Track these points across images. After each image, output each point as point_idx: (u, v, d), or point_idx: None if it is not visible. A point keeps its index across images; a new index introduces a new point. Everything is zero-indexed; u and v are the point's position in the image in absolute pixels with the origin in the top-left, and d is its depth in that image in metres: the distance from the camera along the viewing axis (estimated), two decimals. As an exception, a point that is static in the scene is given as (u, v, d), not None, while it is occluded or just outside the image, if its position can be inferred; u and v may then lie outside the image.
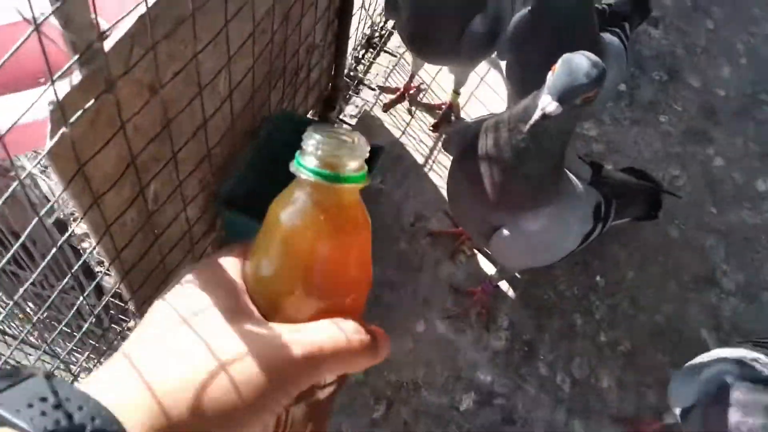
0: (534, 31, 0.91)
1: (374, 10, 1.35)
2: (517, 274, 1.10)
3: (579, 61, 0.67)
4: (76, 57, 0.46)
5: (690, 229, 1.23)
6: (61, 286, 0.65)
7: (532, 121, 0.68)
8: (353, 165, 0.30)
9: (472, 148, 0.78)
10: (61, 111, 0.46)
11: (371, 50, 1.38)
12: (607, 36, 0.98)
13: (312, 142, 0.29)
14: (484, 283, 1.04)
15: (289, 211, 0.31)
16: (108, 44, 0.49)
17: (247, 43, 0.71)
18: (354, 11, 1.06)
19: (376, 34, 1.40)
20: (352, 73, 1.33)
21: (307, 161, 0.29)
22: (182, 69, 0.60)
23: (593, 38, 0.91)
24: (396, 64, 1.37)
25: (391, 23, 1.42)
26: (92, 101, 0.49)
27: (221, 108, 0.73)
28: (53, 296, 0.62)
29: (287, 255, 0.31)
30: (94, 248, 0.61)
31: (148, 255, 0.73)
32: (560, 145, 0.74)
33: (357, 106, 1.31)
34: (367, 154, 0.30)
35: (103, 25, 0.46)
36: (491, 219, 0.80)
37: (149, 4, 0.50)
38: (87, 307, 0.88)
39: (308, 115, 1.18)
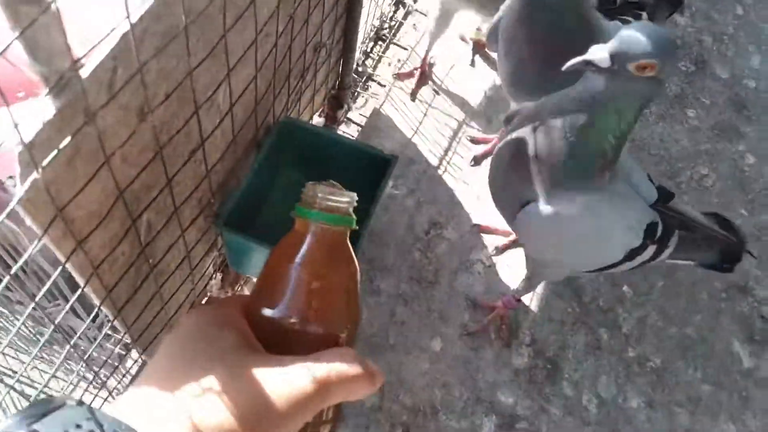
0: (521, 19, 0.83)
1: (383, 0, 1.27)
2: (539, 287, 1.04)
3: (647, 29, 0.61)
4: (47, 91, 0.38)
5: (721, 234, 1.16)
6: (75, 337, 0.59)
7: (571, 62, 0.63)
8: (348, 209, 0.37)
9: (522, 124, 0.73)
10: (30, 153, 0.39)
11: (380, 43, 1.30)
12: (613, 25, 0.89)
13: (314, 192, 0.36)
14: (505, 297, 0.98)
15: (292, 252, 0.37)
16: (86, 69, 0.41)
17: (249, 51, 0.64)
18: (363, 3, 0.98)
19: (386, 25, 1.32)
20: (360, 69, 1.25)
21: (311, 208, 0.36)
22: (175, 89, 0.52)
23: (589, 26, 0.83)
24: (408, 57, 1.28)
25: (401, 13, 1.34)
26: (69, 138, 0.41)
27: (221, 124, 0.66)
28: (72, 341, 0.56)
29: (293, 290, 0.36)
30: (79, 294, 0.54)
31: (143, 287, 0.66)
32: (615, 129, 0.68)
33: (365, 100, 1.23)
34: (356, 203, 0.37)
35: (78, 49, 0.39)
36: (525, 193, 0.73)
37: (133, 21, 0.43)
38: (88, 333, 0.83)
39: (315, 116, 1.11)
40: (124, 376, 0.87)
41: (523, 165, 0.72)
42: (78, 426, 0.24)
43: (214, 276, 0.94)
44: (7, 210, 0.39)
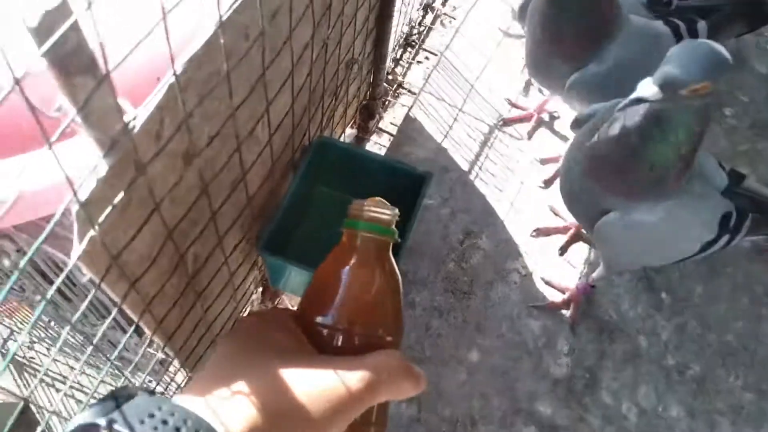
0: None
1: (411, 6, 1.26)
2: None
3: (696, 49, 0.61)
4: (102, 154, 0.40)
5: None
6: (117, 351, 0.61)
7: (623, 102, 0.65)
8: (391, 221, 0.42)
9: (597, 129, 0.74)
10: (86, 211, 0.40)
11: (410, 49, 1.30)
12: (653, 24, 0.88)
13: (361, 206, 0.42)
14: (580, 282, 0.98)
15: (341, 262, 0.41)
16: (137, 123, 0.43)
17: (286, 82, 0.65)
18: (392, 14, 0.98)
19: (414, 31, 1.31)
20: (390, 77, 1.25)
21: (359, 219, 0.41)
22: (219, 131, 0.53)
23: (609, 15, 0.83)
24: (437, 64, 1.28)
25: (429, 18, 1.33)
26: (122, 194, 0.43)
27: (261, 154, 0.67)
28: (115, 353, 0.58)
29: (342, 298, 0.39)
30: (134, 327, 0.56)
31: (189, 314, 0.68)
32: (687, 140, 0.68)
33: (395, 108, 1.24)
34: (398, 216, 0.43)
35: (123, 102, 0.40)
36: (604, 202, 0.75)
37: (178, 72, 0.44)
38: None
39: (347, 128, 1.11)
40: (170, 382, 0.89)
41: (601, 174, 0.73)
42: (151, 415, 0.25)
43: (255, 291, 0.96)
44: (68, 268, 0.40)
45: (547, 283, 1.04)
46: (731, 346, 1.04)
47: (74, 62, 0.35)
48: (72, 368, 0.98)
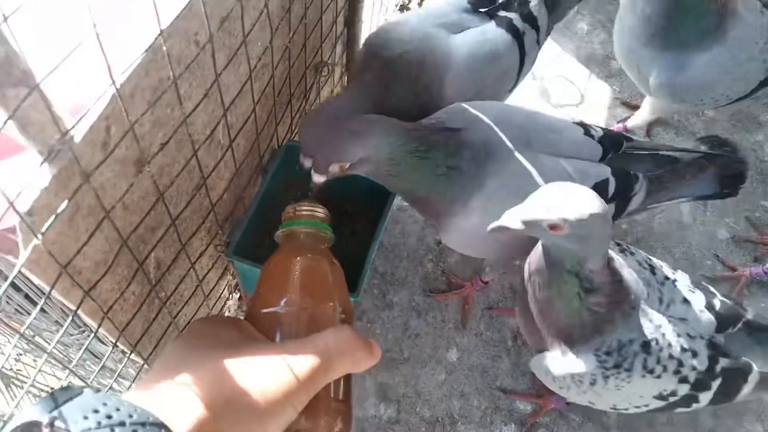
0: None
1: (387, 8, 1.26)
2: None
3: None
4: (42, 161, 0.40)
5: (742, 229, 1.14)
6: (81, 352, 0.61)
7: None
8: (322, 216, 0.49)
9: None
10: (28, 222, 0.41)
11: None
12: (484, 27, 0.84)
13: (296, 207, 0.49)
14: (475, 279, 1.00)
15: (287, 257, 0.46)
16: (79, 133, 0.43)
17: (246, 86, 0.65)
18: (362, 18, 0.98)
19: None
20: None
21: (299, 219, 0.49)
22: (170, 138, 0.54)
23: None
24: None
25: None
26: (66, 202, 0.43)
27: (223, 158, 0.67)
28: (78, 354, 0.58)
29: (288, 286, 0.42)
30: (94, 335, 0.56)
31: (156, 319, 0.68)
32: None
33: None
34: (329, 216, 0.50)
35: (68, 117, 0.41)
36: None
37: (121, 81, 0.44)
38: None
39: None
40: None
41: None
42: (96, 411, 0.26)
43: (230, 297, 0.96)
44: (11, 277, 0.40)
45: (489, 308, 1.03)
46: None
47: (3, 75, 0.35)
48: (58, 378, 0.98)
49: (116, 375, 0.69)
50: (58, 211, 0.43)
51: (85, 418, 0.25)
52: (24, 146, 0.40)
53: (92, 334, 0.56)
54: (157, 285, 0.64)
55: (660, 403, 0.70)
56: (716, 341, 0.68)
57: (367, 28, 1.06)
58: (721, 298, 0.71)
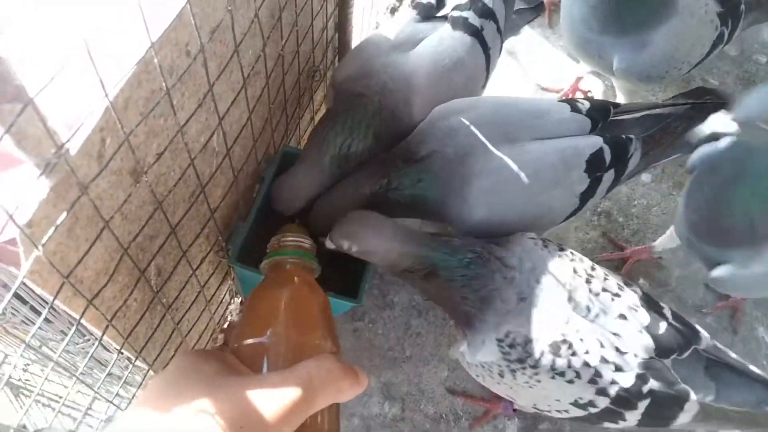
0: None
1: (377, 11, 1.28)
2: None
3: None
4: (39, 174, 0.41)
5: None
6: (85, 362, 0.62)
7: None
8: (307, 247, 0.53)
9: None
10: (28, 234, 0.42)
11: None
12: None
13: (281, 238, 0.53)
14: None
15: (273, 288, 0.47)
16: (74, 145, 0.44)
17: (240, 94, 0.66)
18: (353, 23, 1.00)
19: (383, 35, 1.33)
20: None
21: (285, 249, 0.52)
22: (166, 148, 0.55)
23: None
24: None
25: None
26: (65, 214, 0.44)
27: (221, 165, 0.68)
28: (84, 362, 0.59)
29: (280, 315, 0.43)
30: (99, 343, 0.57)
31: (160, 326, 0.69)
32: None
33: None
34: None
35: (63, 130, 0.42)
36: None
37: (113, 93, 0.45)
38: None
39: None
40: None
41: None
42: None
43: (231, 301, 0.98)
44: (13, 288, 0.42)
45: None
46: (712, 327, 1.04)
47: (-1, 91, 0.36)
48: (65, 386, 0.99)
49: (122, 382, 0.70)
50: (57, 222, 0.44)
51: None
52: (21, 160, 0.42)
53: (97, 342, 0.58)
54: (159, 292, 0.65)
55: (580, 412, 0.69)
56: (653, 363, 0.67)
57: (358, 32, 1.08)
58: (672, 322, 0.70)
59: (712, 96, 0.85)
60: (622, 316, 0.68)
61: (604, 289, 0.70)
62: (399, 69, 0.79)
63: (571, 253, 0.73)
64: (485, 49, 0.85)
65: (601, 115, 0.80)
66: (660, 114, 0.83)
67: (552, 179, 0.75)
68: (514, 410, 0.93)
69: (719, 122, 0.64)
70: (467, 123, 0.75)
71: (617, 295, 0.70)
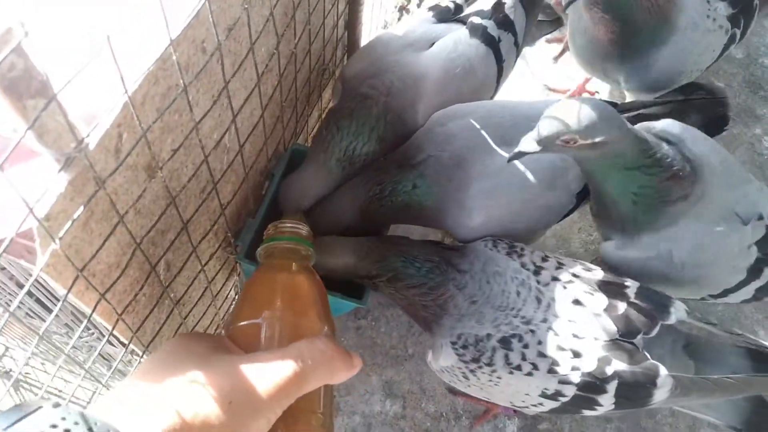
0: None
1: (385, 9, 1.28)
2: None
3: (566, 107, 0.64)
4: (58, 169, 0.42)
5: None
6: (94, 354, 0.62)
7: (509, 156, 0.69)
8: (303, 233, 0.53)
9: None
10: (46, 227, 0.42)
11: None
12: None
13: (279, 224, 0.54)
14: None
15: (270, 272, 0.49)
16: (92, 140, 0.45)
17: (253, 92, 0.66)
18: (363, 21, 1.00)
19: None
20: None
21: (283, 235, 0.53)
22: (181, 144, 0.55)
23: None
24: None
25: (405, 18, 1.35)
26: (82, 208, 0.45)
27: (233, 162, 0.69)
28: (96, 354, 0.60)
29: (277, 296, 0.44)
30: (109, 336, 0.57)
31: (167, 321, 0.70)
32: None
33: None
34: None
35: (81, 125, 0.42)
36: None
37: (132, 89, 0.45)
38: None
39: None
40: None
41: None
42: (53, 426, 0.25)
43: (236, 297, 0.98)
44: (31, 280, 0.42)
45: None
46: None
47: (23, 86, 0.37)
48: (65, 381, 0.99)
49: (128, 377, 0.70)
50: (75, 216, 0.44)
51: None
52: (35, 152, 0.42)
53: (107, 336, 0.58)
54: (168, 287, 0.65)
55: (553, 404, 0.69)
56: (616, 345, 0.66)
57: (367, 30, 1.08)
58: (634, 301, 0.69)
59: (703, 91, 0.85)
60: (577, 302, 0.68)
61: (555, 278, 0.70)
62: (408, 69, 0.79)
63: (521, 248, 0.74)
64: (499, 61, 0.85)
65: None
66: (654, 114, 0.83)
67: (548, 181, 0.76)
68: (515, 410, 0.94)
69: (524, 142, 0.67)
70: (464, 128, 0.75)
71: (570, 281, 0.70)
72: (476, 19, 0.84)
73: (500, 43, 0.84)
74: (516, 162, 0.73)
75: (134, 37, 0.48)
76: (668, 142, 0.71)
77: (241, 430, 0.32)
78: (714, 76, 1.33)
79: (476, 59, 0.81)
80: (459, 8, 0.87)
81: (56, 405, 0.27)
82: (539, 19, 1.31)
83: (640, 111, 0.83)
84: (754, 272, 0.74)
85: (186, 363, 0.34)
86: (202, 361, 0.34)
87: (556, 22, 0.99)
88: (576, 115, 0.63)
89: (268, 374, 0.33)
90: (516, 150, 0.67)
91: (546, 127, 0.64)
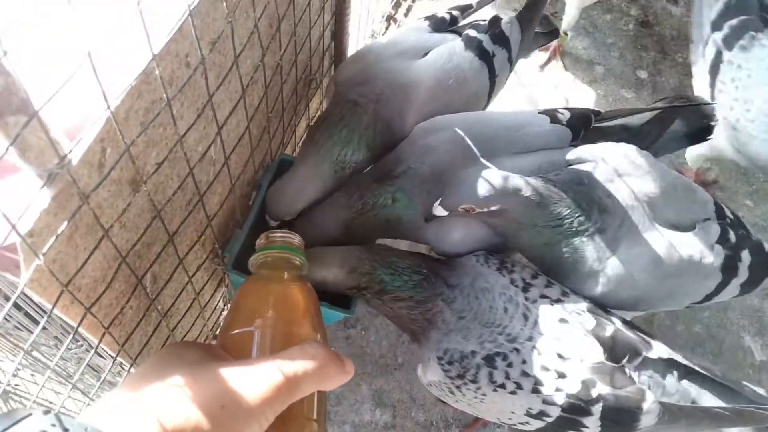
0: None
1: (373, 19, 1.29)
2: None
3: (465, 179, 0.68)
4: (42, 185, 0.42)
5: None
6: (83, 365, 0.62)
7: (426, 216, 0.73)
8: (294, 242, 0.53)
9: None
10: (29, 243, 0.42)
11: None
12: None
13: (270, 234, 0.54)
14: None
15: (259, 278, 0.50)
16: (75, 155, 0.45)
17: (238, 104, 0.67)
18: (349, 31, 1.01)
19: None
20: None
21: (274, 244, 0.52)
22: (165, 158, 0.55)
23: None
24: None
25: (393, 29, 1.36)
26: (66, 223, 0.45)
27: (219, 174, 0.69)
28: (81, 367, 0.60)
29: (258, 305, 0.44)
30: (96, 350, 0.57)
31: (155, 333, 0.70)
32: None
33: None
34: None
35: (64, 140, 0.42)
36: None
37: (115, 104, 0.46)
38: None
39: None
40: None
41: None
42: None
43: (225, 308, 0.98)
44: (14, 297, 0.42)
45: None
46: (700, 336, 1.06)
47: (4, 103, 0.37)
48: (56, 392, 0.98)
49: (118, 387, 0.70)
50: (59, 231, 0.44)
51: None
52: (17, 167, 0.42)
53: (93, 349, 0.58)
54: (155, 299, 0.65)
55: (538, 423, 0.69)
56: (601, 367, 0.66)
57: (354, 40, 1.09)
58: (620, 328, 0.69)
59: (685, 99, 0.86)
60: (563, 320, 0.68)
61: (543, 296, 0.70)
62: (399, 77, 0.79)
63: (511, 264, 0.74)
64: (492, 76, 0.85)
65: (582, 123, 0.80)
66: (637, 125, 0.83)
67: None
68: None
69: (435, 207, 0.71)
70: (444, 141, 0.75)
71: (559, 300, 0.70)
72: (472, 32, 0.84)
73: (494, 58, 0.84)
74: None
75: (117, 51, 0.49)
76: (580, 183, 0.72)
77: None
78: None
79: (470, 72, 0.82)
80: (455, 20, 0.87)
81: (46, 412, 0.26)
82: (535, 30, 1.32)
83: (624, 120, 0.84)
84: (729, 270, 0.75)
85: (176, 369, 0.34)
86: (193, 367, 0.34)
87: (552, 34, 1.00)
88: (470, 188, 0.66)
89: (259, 379, 0.33)
90: (431, 212, 0.70)
91: (448, 196, 0.68)
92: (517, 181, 0.67)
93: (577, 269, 0.71)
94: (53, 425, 0.25)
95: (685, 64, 1.36)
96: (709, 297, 0.77)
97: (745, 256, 0.76)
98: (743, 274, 0.76)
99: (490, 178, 0.66)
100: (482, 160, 0.75)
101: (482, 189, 0.66)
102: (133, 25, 0.43)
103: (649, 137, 0.83)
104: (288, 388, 0.34)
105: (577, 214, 0.69)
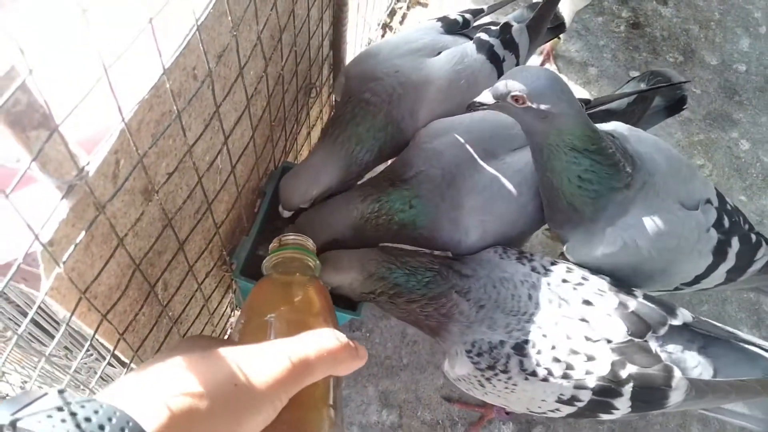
0: None
1: (369, 27, 1.31)
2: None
3: (522, 70, 0.68)
4: (61, 196, 0.44)
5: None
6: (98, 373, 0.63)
7: (468, 104, 0.72)
8: (307, 244, 0.55)
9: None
10: (50, 252, 0.44)
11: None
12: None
13: (283, 237, 0.56)
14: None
15: (274, 278, 0.52)
16: (91, 167, 0.46)
17: (243, 114, 0.68)
18: (347, 40, 1.03)
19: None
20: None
21: (288, 245, 0.55)
22: (176, 168, 0.57)
23: None
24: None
25: (389, 36, 1.38)
26: (83, 232, 0.46)
27: (225, 182, 0.71)
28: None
29: (273, 302, 0.46)
30: (111, 356, 0.59)
31: (166, 341, 0.71)
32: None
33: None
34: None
35: (78, 150, 0.44)
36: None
37: (128, 117, 0.48)
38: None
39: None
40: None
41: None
42: (60, 409, 0.26)
43: (233, 314, 0.99)
44: (37, 303, 0.44)
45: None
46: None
47: (26, 119, 0.39)
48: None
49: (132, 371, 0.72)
50: (77, 240, 0.46)
51: (49, 416, 0.25)
52: (34, 178, 0.44)
53: (108, 356, 0.59)
54: (167, 305, 0.67)
55: (570, 408, 0.69)
56: (628, 347, 0.66)
57: (351, 49, 1.11)
58: (642, 301, 0.69)
59: (662, 77, 0.89)
60: (587, 302, 0.69)
61: (564, 280, 0.71)
62: (411, 75, 0.80)
63: (530, 254, 0.75)
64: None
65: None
66: (620, 106, 0.87)
67: (536, 187, 0.78)
68: (507, 413, 0.96)
69: (482, 95, 0.71)
70: (449, 144, 0.77)
71: (580, 283, 0.71)
72: (484, 36, 0.86)
73: (504, 62, 0.87)
74: (503, 173, 0.76)
75: (124, 66, 0.50)
76: (612, 137, 0.74)
77: (245, 414, 0.32)
78: (690, 84, 1.37)
79: (480, 74, 0.84)
80: (467, 23, 0.90)
81: (62, 391, 0.27)
82: None
83: (610, 105, 0.86)
84: (719, 254, 0.77)
85: (190, 352, 0.34)
86: (207, 349, 0.35)
87: (559, 29, 1.00)
88: (530, 78, 0.66)
89: (272, 360, 0.33)
90: (475, 100, 0.69)
91: (502, 83, 0.67)
92: (573, 95, 0.68)
93: (592, 220, 0.72)
94: (68, 402, 0.26)
95: (676, 64, 1.39)
96: (698, 278, 0.79)
97: (735, 242, 0.78)
98: (731, 259, 0.78)
99: (550, 78, 0.66)
100: (482, 163, 0.77)
101: (538, 82, 0.66)
102: (143, 41, 0.45)
103: (635, 116, 0.86)
104: (301, 370, 0.34)
105: (622, 162, 0.70)
